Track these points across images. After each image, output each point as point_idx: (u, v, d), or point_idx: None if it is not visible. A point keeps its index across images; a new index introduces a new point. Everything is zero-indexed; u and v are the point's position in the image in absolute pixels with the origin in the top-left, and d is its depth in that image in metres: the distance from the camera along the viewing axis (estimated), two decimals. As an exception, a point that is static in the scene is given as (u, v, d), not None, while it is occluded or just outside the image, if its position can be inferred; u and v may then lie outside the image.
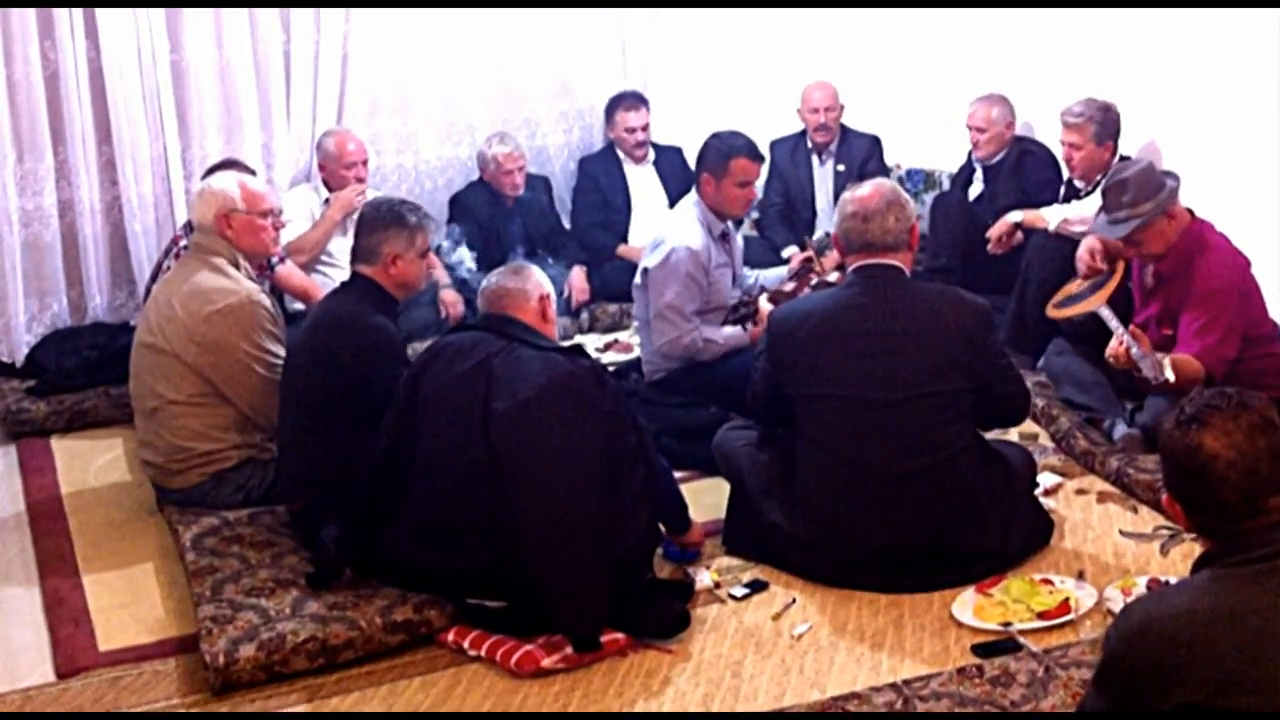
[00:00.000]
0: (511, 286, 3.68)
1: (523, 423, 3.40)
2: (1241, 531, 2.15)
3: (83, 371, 5.36)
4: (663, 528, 3.74)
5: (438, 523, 3.52)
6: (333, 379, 3.84)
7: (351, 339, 3.86)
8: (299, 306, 5.34)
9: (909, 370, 3.66)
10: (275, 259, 5.06)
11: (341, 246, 5.64)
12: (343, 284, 4.12)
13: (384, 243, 3.95)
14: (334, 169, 5.64)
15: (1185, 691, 2.06)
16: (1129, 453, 4.24)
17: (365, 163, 5.69)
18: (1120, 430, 4.31)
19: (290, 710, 3.25)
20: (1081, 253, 4.62)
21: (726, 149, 4.65)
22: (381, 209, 4.03)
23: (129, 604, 3.82)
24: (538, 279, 3.72)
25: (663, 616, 3.49)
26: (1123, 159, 5.02)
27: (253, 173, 4.87)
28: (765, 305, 4.67)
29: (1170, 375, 3.88)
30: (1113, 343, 4.04)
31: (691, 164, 6.37)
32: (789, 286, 4.79)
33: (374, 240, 3.96)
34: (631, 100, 6.39)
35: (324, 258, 5.63)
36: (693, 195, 4.80)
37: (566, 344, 3.86)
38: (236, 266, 4.24)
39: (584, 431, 3.42)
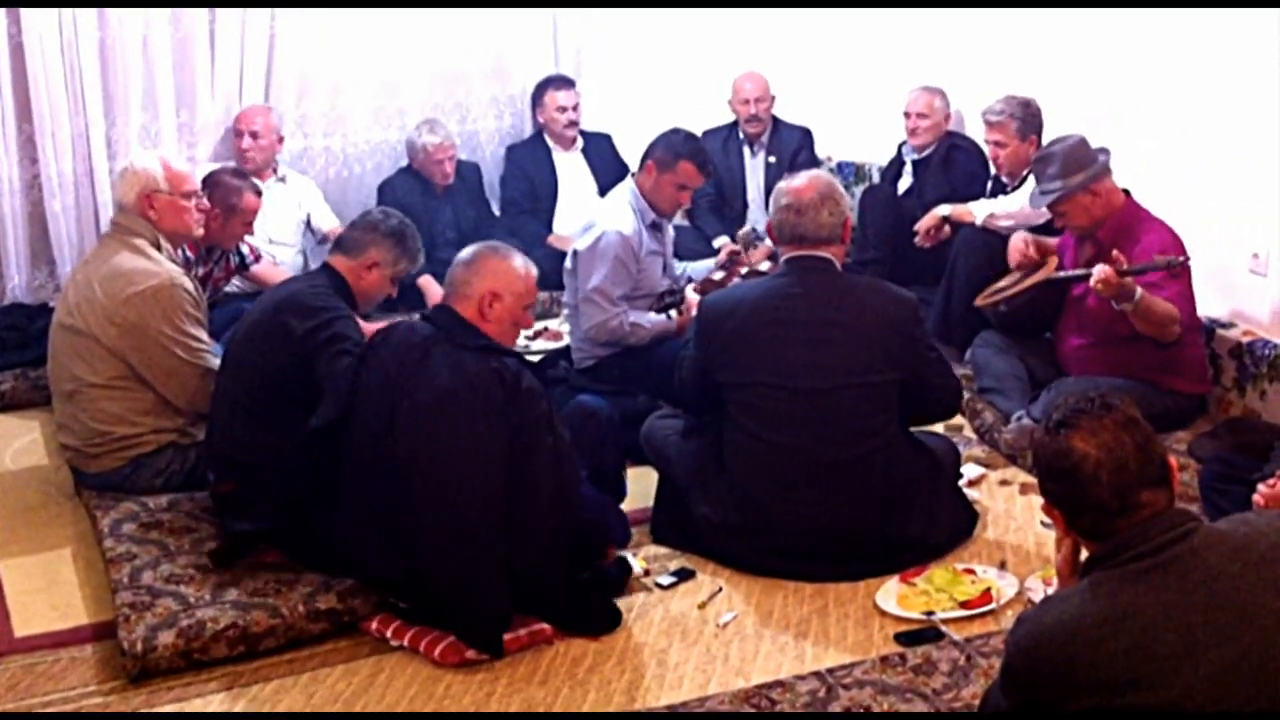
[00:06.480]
0: (457, 277, 3.48)
1: (420, 426, 3.31)
2: (1119, 530, 2.18)
3: (-2, 353, 5.27)
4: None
5: (364, 521, 3.45)
6: (287, 360, 3.78)
7: (316, 323, 3.78)
8: None
9: (837, 359, 3.68)
10: (251, 259, 5.07)
11: (285, 229, 5.67)
12: (311, 271, 4.12)
13: (372, 245, 3.95)
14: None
15: (1083, 698, 2.10)
16: (1015, 445, 4.30)
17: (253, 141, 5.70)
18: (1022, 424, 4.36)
19: (209, 696, 3.21)
20: (1015, 242, 4.70)
21: (681, 148, 4.68)
22: (391, 218, 4.03)
23: (45, 589, 3.75)
24: (492, 271, 3.46)
25: (592, 617, 3.45)
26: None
27: (258, 193, 4.76)
28: (692, 295, 4.68)
29: (1163, 258, 4.08)
30: (1096, 271, 4.07)
31: (622, 151, 6.41)
32: (718, 276, 4.81)
33: (365, 239, 3.96)
34: (560, 81, 6.39)
35: (270, 240, 5.61)
36: (628, 181, 4.80)
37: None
38: (158, 248, 4.17)
39: (479, 436, 3.28)
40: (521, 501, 3.32)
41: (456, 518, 3.28)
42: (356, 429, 3.48)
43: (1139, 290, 4.09)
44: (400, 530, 3.36)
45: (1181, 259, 4.15)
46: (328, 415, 3.56)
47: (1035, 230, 4.93)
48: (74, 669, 3.35)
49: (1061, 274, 4.45)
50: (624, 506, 3.88)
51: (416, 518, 3.32)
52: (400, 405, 3.35)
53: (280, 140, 5.82)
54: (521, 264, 3.53)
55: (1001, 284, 4.71)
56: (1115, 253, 4.11)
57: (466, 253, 3.53)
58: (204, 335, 4.16)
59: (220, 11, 5.80)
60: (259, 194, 4.76)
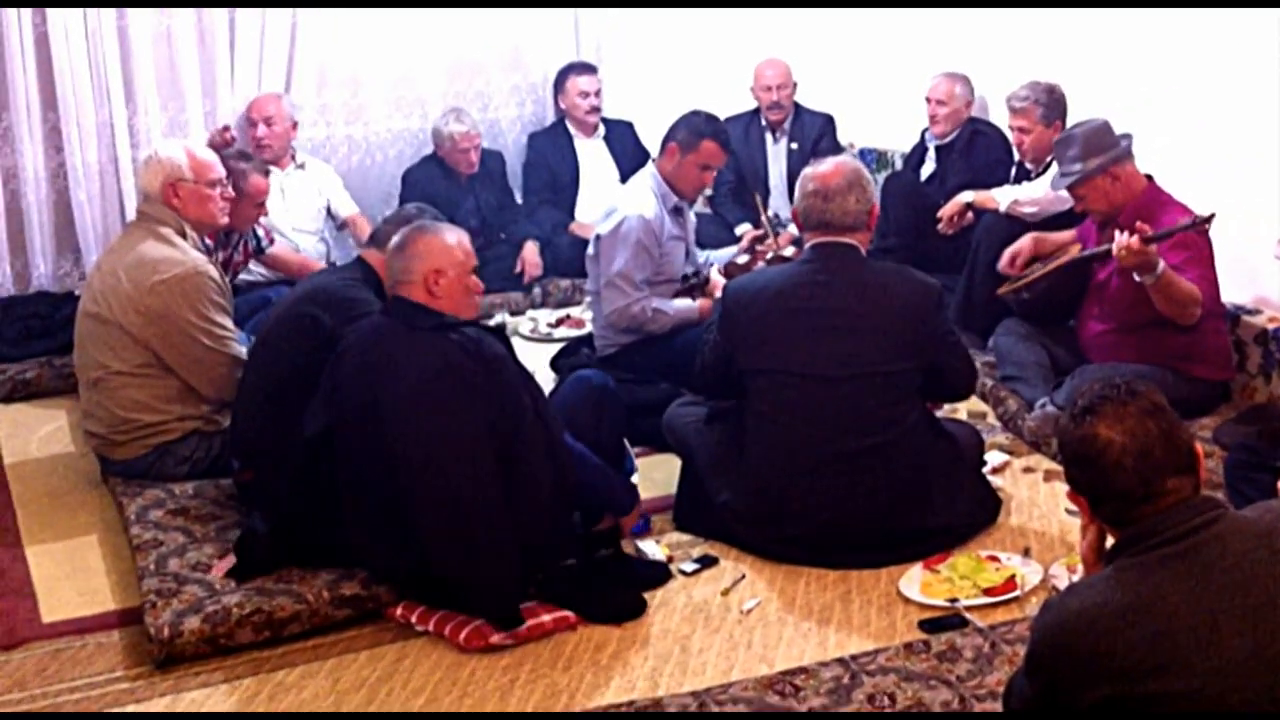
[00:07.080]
0: (396, 266, 3.47)
1: (405, 420, 3.31)
2: (1143, 516, 2.17)
3: (24, 340, 5.30)
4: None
5: (367, 520, 3.46)
6: (314, 352, 3.78)
7: (344, 317, 3.77)
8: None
9: (859, 348, 3.67)
10: (266, 243, 5.10)
11: (306, 216, 5.68)
12: (344, 265, 4.16)
13: None
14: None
15: (1106, 684, 2.09)
16: (1039, 432, 4.29)
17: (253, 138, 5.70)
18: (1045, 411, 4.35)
19: (235, 682, 3.23)
20: (1006, 253, 4.70)
21: (704, 128, 4.67)
22: (426, 214, 4.02)
23: (72, 576, 3.77)
24: (424, 251, 3.45)
25: (615, 604, 3.45)
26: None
27: (265, 174, 4.80)
28: (717, 278, 4.68)
29: (1186, 219, 4.05)
30: (1120, 239, 4.02)
31: (643, 139, 6.40)
32: (743, 259, 4.80)
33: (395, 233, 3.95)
34: (581, 67, 6.39)
35: (292, 228, 5.65)
36: (650, 166, 4.80)
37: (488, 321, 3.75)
38: (184, 236, 4.19)
39: (461, 420, 3.29)
40: (519, 468, 3.34)
41: (454, 509, 3.29)
42: (345, 432, 3.47)
43: (1161, 263, 4.05)
44: (401, 525, 3.37)
45: (1205, 216, 4.06)
46: (317, 424, 3.53)
47: (1059, 218, 4.91)
48: (101, 654, 3.37)
49: (1085, 253, 4.44)
50: (647, 494, 3.89)
51: (415, 512, 3.33)
52: (380, 402, 3.35)
53: (294, 127, 5.82)
54: (453, 236, 3.54)
55: (1024, 272, 4.70)
56: (1139, 223, 4.07)
57: (396, 240, 3.54)
58: (229, 323, 4.17)
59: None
60: (266, 174, 4.79)
